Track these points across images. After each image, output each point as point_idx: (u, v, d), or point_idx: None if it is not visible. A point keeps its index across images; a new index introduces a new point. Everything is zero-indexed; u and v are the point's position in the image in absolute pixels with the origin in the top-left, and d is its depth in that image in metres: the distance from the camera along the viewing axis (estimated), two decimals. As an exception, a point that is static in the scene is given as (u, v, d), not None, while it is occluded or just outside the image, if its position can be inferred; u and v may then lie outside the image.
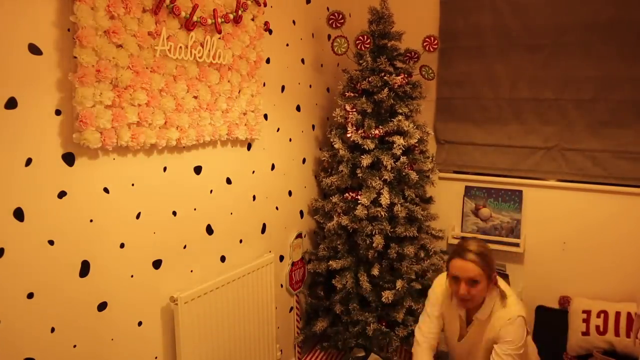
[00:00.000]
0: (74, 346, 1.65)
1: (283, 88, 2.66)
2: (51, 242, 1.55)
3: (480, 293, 1.98)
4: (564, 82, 2.82)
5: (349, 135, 2.73)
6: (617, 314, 2.63)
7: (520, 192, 3.00)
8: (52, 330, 1.58)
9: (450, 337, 2.21)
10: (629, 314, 2.60)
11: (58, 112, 1.53)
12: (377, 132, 2.67)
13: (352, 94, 2.78)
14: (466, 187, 3.13)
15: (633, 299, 2.64)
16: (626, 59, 2.67)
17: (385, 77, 2.69)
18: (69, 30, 1.52)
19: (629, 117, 2.70)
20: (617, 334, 2.60)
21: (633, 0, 2.62)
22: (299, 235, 2.91)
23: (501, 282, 2.10)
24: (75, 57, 1.52)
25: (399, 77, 2.68)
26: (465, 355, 2.17)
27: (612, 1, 2.66)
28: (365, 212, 2.66)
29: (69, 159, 1.57)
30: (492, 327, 2.01)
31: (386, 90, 2.67)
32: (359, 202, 2.67)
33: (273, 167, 2.63)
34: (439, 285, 2.20)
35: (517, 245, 2.97)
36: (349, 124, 2.73)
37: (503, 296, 2.03)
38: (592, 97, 2.77)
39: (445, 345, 2.29)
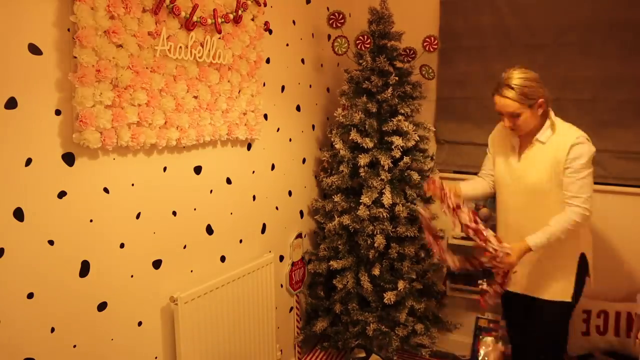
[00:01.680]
0: (74, 346, 1.65)
1: (283, 88, 2.66)
2: (51, 242, 1.55)
3: (527, 122, 2.08)
4: (564, 82, 2.82)
5: (351, 137, 2.73)
6: (617, 314, 2.63)
7: (521, 192, 2.99)
8: (52, 330, 1.58)
9: (505, 171, 2.28)
10: (629, 314, 2.60)
11: (58, 112, 1.53)
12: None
13: (353, 94, 2.78)
14: (466, 187, 3.12)
15: (633, 299, 2.64)
16: (626, 59, 2.66)
17: (385, 78, 2.69)
18: (69, 30, 1.52)
19: (629, 117, 2.70)
20: (617, 334, 2.60)
21: (633, 0, 2.61)
22: (299, 235, 2.91)
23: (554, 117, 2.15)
24: (75, 57, 1.52)
25: (389, 91, 2.68)
26: (520, 198, 2.22)
27: (612, 1, 2.66)
28: (367, 212, 2.66)
29: (69, 159, 1.57)
30: (557, 147, 2.08)
31: (390, 90, 2.67)
32: (360, 202, 2.67)
33: (273, 167, 2.63)
34: (497, 127, 2.38)
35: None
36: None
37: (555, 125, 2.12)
38: (592, 97, 2.77)
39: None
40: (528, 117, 2.07)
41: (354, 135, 2.71)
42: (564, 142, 2.07)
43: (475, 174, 3.14)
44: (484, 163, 2.45)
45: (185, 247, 2.08)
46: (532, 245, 2.06)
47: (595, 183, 2.78)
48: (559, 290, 2.19)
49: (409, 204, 2.73)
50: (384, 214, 2.66)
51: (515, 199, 2.24)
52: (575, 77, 2.79)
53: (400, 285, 2.67)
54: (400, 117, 2.67)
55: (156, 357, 1.98)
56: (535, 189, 2.15)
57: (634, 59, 2.65)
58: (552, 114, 2.16)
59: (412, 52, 2.84)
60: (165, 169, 1.94)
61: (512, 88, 2.03)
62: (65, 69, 1.53)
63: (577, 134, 2.09)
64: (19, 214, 1.45)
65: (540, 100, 2.06)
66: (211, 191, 2.20)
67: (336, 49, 2.86)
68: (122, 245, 1.79)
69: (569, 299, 2.18)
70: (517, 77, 2.05)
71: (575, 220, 2.04)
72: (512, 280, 2.13)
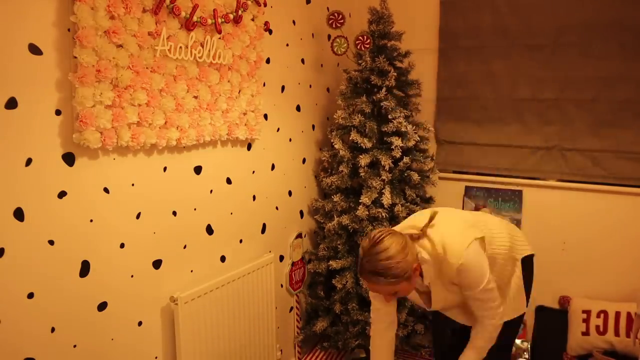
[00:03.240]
0: (74, 346, 1.65)
1: (283, 88, 2.66)
2: (51, 242, 1.55)
3: (408, 289, 1.76)
4: (564, 82, 2.82)
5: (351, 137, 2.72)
6: (617, 314, 2.63)
7: (520, 192, 3.00)
8: (52, 330, 1.58)
9: (421, 305, 2.01)
10: (628, 314, 2.60)
11: (58, 112, 1.53)
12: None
13: (352, 94, 2.78)
14: (466, 187, 3.13)
15: (633, 298, 2.64)
16: (626, 59, 2.66)
17: (384, 78, 2.70)
18: (69, 30, 1.52)
19: (629, 117, 2.70)
20: (617, 334, 2.60)
21: (632, 2, 2.61)
22: (299, 235, 2.91)
23: (434, 232, 1.79)
24: (76, 57, 1.52)
25: (383, 91, 2.67)
26: (444, 308, 1.99)
27: (612, 1, 2.66)
28: (367, 212, 2.66)
29: (69, 159, 1.57)
30: (448, 276, 1.78)
31: (384, 90, 2.67)
32: (360, 202, 2.67)
33: (273, 167, 2.63)
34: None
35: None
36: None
37: (441, 248, 1.75)
38: (593, 97, 2.77)
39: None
40: (407, 287, 1.73)
41: (354, 135, 2.71)
42: (450, 266, 1.74)
43: (476, 173, 3.16)
44: (379, 312, 1.99)
45: (185, 247, 2.08)
46: None
47: (596, 183, 2.82)
48: (511, 310, 1.98)
49: (409, 204, 2.73)
50: (384, 214, 2.66)
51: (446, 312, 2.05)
52: (575, 77, 2.79)
53: (400, 285, 2.67)
54: (399, 117, 2.67)
55: (156, 357, 1.98)
56: (457, 307, 1.96)
57: (634, 59, 2.65)
58: (420, 252, 1.76)
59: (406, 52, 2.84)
60: (165, 169, 1.94)
61: (380, 274, 1.65)
62: (66, 69, 1.53)
63: (458, 258, 1.73)
64: (19, 214, 1.45)
65: (415, 267, 1.70)
66: (211, 191, 2.20)
67: (335, 49, 2.85)
68: (122, 245, 1.79)
69: (523, 311, 2.03)
70: (379, 260, 1.64)
71: (495, 328, 1.84)
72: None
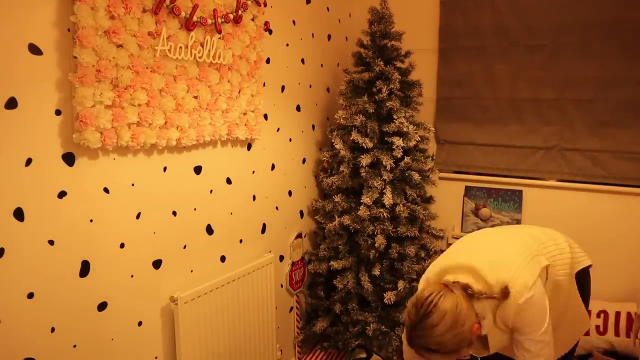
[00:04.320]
0: (74, 346, 1.65)
1: (283, 88, 2.66)
2: (51, 242, 1.55)
3: (466, 353, 1.52)
4: (564, 82, 2.82)
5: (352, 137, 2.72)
6: (617, 314, 2.63)
7: (520, 192, 3.00)
8: (52, 330, 1.58)
9: (474, 353, 1.76)
10: (628, 314, 2.61)
11: (58, 112, 1.53)
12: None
13: (352, 94, 2.78)
14: (466, 187, 3.13)
15: (633, 298, 2.64)
16: (626, 59, 2.66)
17: (385, 78, 2.70)
18: (69, 30, 1.52)
19: (629, 117, 2.70)
20: (617, 334, 2.60)
21: (631, 1, 2.61)
22: (299, 235, 2.91)
23: (489, 266, 1.53)
24: (76, 57, 1.52)
25: (385, 90, 2.66)
26: (501, 349, 1.69)
27: (612, 1, 2.66)
28: (368, 212, 2.66)
29: (69, 159, 1.57)
30: (503, 319, 1.53)
31: (385, 90, 2.67)
32: (361, 202, 2.67)
33: (273, 167, 2.63)
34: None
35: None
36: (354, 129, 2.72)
37: (500, 290, 1.49)
38: (592, 97, 2.77)
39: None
40: (466, 352, 1.51)
41: (354, 135, 2.71)
42: (509, 307, 1.49)
43: (476, 173, 3.15)
44: None
45: (185, 247, 2.08)
46: None
47: (596, 183, 2.82)
48: (572, 336, 1.81)
49: (410, 204, 2.73)
50: (385, 214, 2.66)
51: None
52: (574, 77, 2.79)
53: (400, 285, 2.67)
54: (400, 117, 2.67)
55: (156, 357, 1.98)
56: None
57: (633, 59, 2.65)
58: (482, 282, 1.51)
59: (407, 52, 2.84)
60: (165, 169, 1.94)
61: (436, 351, 1.41)
62: (66, 69, 1.53)
63: (523, 288, 1.48)
64: (19, 214, 1.45)
65: (475, 328, 1.45)
66: (211, 191, 2.20)
67: None
68: (122, 245, 1.79)
69: (587, 329, 1.85)
70: (432, 336, 1.39)
71: None
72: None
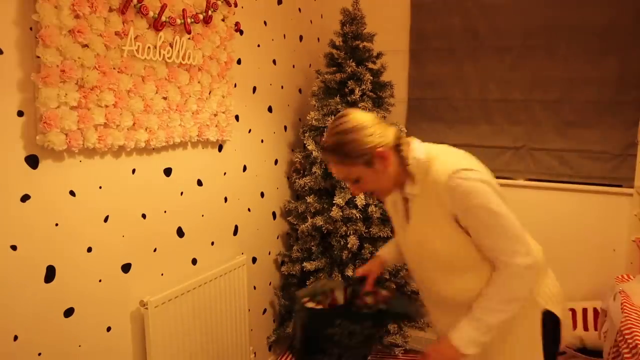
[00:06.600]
0: (39, 354, 1.60)
1: (254, 89, 2.65)
2: (14, 247, 1.50)
3: (375, 183, 1.49)
4: (532, 83, 2.88)
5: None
6: (584, 310, 2.69)
7: (490, 191, 3.04)
8: (15, 338, 1.53)
9: (402, 238, 1.64)
10: (595, 309, 2.67)
11: (20, 114, 1.48)
12: None
13: (324, 95, 2.79)
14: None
15: (599, 295, 2.71)
16: (590, 61, 2.73)
17: (356, 79, 2.71)
18: (31, 29, 1.48)
19: (593, 118, 2.77)
20: (585, 328, 2.66)
21: (596, 5, 2.69)
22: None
23: (429, 148, 1.52)
24: (39, 57, 1.48)
25: (357, 92, 2.66)
26: (417, 260, 1.60)
27: (576, 5, 2.72)
28: (341, 213, 2.66)
29: (32, 161, 1.53)
30: (436, 194, 1.43)
31: (357, 91, 2.68)
32: (333, 203, 2.67)
33: (245, 168, 2.61)
34: None
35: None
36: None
37: (429, 160, 1.46)
38: (558, 98, 2.83)
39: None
40: (371, 177, 1.46)
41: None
42: (437, 185, 1.42)
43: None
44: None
45: (155, 250, 2.04)
46: (459, 346, 1.42)
47: (563, 182, 2.88)
48: None
49: (382, 204, 2.75)
50: (357, 215, 2.67)
51: (424, 274, 1.61)
52: (542, 78, 2.85)
53: (374, 285, 2.68)
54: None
55: (126, 363, 1.94)
56: (439, 260, 1.51)
57: (597, 61, 2.72)
58: (413, 148, 1.50)
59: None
60: (134, 171, 1.91)
61: (330, 150, 1.46)
62: (28, 69, 1.49)
63: (452, 166, 1.41)
64: (-21, 219, 1.41)
65: (378, 150, 1.43)
66: (182, 193, 2.17)
67: None
68: (89, 249, 1.75)
69: None
70: (331, 135, 1.46)
71: (517, 275, 1.44)
72: None
